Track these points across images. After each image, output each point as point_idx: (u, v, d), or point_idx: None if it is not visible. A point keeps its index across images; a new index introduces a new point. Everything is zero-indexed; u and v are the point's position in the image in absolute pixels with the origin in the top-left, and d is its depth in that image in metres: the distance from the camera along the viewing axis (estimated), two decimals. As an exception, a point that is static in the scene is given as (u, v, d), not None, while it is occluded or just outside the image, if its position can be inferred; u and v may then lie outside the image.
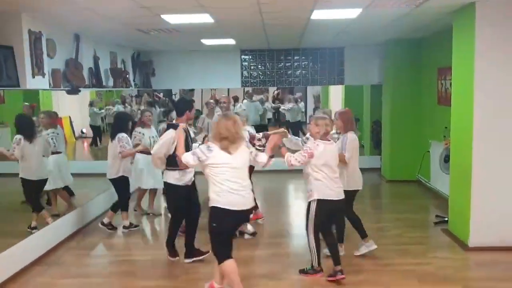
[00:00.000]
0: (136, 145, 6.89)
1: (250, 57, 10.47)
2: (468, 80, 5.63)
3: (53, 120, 7.44)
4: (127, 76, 9.36)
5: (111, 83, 8.71)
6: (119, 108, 12.04)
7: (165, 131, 5.42)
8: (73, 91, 6.78)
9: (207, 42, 8.77)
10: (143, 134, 7.24)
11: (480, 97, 5.49)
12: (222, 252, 4.23)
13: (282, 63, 10.46)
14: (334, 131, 5.82)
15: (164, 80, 10.61)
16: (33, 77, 5.84)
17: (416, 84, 9.09)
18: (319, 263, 4.92)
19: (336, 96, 15.90)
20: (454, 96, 6.11)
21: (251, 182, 4.51)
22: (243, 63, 10.48)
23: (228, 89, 16.09)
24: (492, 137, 5.52)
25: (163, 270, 5.32)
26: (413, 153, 9.14)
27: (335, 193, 4.74)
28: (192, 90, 15.10)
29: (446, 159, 6.65)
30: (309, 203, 4.79)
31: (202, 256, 5.38)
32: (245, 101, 15.07)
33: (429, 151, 8.47)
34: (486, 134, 5.52)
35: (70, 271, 5.37)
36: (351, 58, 10.23)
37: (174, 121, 5.52)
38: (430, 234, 6.39)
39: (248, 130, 6.20)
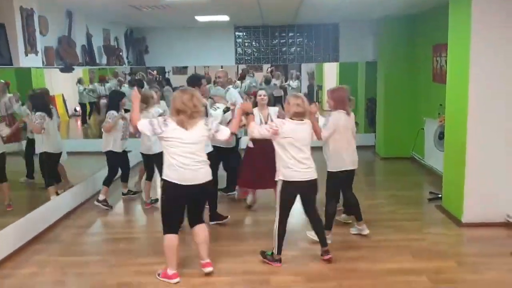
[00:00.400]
0: None
1: (244, 33, 10.38)
2: (464, 58, 5.62)
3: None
4: (120, 53, 9.28)
5: (104, 61, 8.64)
6: (109, 86, 11.80)
7: None
8: (67, 69, 6.73)
9: (201, 18, 8.69)
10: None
11: (476, 75, 5.50)
12: (168, 225, 4.41)
13: (277, 40, 10.39)
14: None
15: (158, 57, 10.53)
16: (26, 55, 5.78)
17: (411, 61, 9.07)
18: (279, 252, 4.74)
19: (330, 74, 15.88)
20: (449, 74, 6.10)
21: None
22: (237, 40, 10.41)
23: (222, 66, 15.97)
24: (487, 114, 5.55)
25: (160, 247, 5.33)
26: (408, 131, 9.18)
27: (301, 174, 4.54)
28: (186, 67, 15.00)
29: (441, 136, 6.69)
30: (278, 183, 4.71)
31: (223, 220, 5.94)
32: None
33: (423, 128, 8.51)
34: (481, 112, 5.54)
35: (68, 249, 5.40)
36: (346, 34, 10.18)
37: None
38: (424, 210, 6.47)
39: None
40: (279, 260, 4.75)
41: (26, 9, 5.77)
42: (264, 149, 5.40)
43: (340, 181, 5.22)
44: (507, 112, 5.56)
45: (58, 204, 6.36)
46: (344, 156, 5.10)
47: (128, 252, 5.26)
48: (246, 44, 10.42)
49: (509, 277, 4.42)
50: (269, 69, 19.20)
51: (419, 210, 6.46)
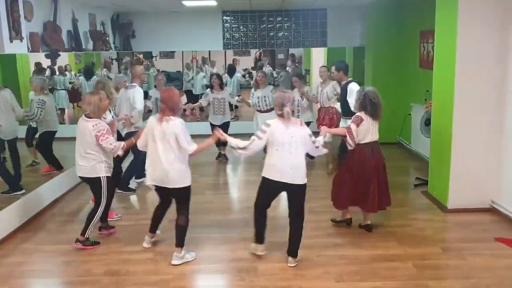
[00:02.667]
0: None
1: (232, 18, 10.32)
2: (450, 44, 5.65)
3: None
4: (107, 38, 9.19)
5: (90, 46, 8.55)
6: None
7: None
8: (53, 54, 6.66)
9: (187, 3, 8.60)
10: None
11: (462, 62, 5.53)
12: None
13: (265, 25, 10.35)
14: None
15: (145, 42, 10.44)
16: (11, 41, 5.73)
17: (398, 47, 9.09)
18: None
19: (318, 58, 15.82)
20: (436, 60, 6.13)
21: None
22: (225, 24, 10.34)
23: (209, 52, 15.86)
24: (473, 101, 5.60)
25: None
26: (395, 116, 9.19)
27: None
28: (173, 52, 14.86)
29: (427, 122, 6.74)
30: None
31: None
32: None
33: (410, 114, 8.56)
34: (467, 98, 5.59)
35: (55, 237, 5.38)
36: (334, 20, 10.18)
37: None
38: (410, 196, 6.54)
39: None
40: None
41: (10, -6, 5.69)
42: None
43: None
44: (493, 98, 5.60)
45: (45, 191, 6.33)
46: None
47: (116, 240, 5.26)
48: (234, 29, 10.36)
49: (493, 262, 4.50)
50: (257, 53, 19.06)
51: (405, 196, 6.52)
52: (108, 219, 5.50)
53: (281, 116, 4.37)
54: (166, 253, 4.85)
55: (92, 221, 5.00)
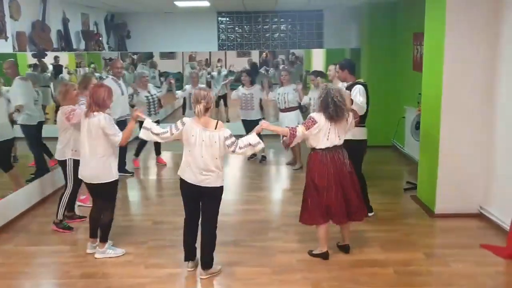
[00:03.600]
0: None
1: (227, 19, 10.27)
2: (438, 47, 5.57)
3: None
4: (100, 38, 9.15)
5: (82, 46, 8.52)
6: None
7: None
8: (39, 54, 6.61)
9: (180, 4, 8.55)
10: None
11: (449, 64, 5.45)
12: None
13: (260, 26, 10.29)
14: None
15: (140, 42, 10.40)
16: (-5, 40, 5.68)
17: (392, 49, 9.00)
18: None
19: (317, 60, 15.75)
20: (425, 63, 6.06)
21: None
22: (220, 25, 10.28)
23: (210, 53, 15.81)
24: (461, 105, 5.51)
25: (131, 237, 5.30)
26: (389, 119, 9.12)
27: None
28: (173, 53, 14.83)
29: (417, 125, 6.65)
30: None
31: None
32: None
33: (404, 117, 8.46)
34: (454, 102, 5.50)
35: (35, 239, 5.33)
36: (330, 21, 10.11)
37: None
38: (398, 200, 6.44)
39: None
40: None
41: (-5, -7, 5.66)
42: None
43: None
44: (481, 102, 5.50)
45: (28, 192, 6.28)
46: None
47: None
48: (229, 30, 10.31)
49: (475, 270, 4.40)
50: (264, 54, 18.84)
51: (394, 201, 6.42)
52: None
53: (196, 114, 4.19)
54: (146, 255, 4.81)
55: (61, 203, 5.46)
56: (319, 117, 4.43)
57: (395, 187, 6.94)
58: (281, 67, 11.55)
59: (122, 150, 7.14)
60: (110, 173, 4.70)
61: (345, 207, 4.54)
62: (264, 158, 8.58)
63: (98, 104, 4.62)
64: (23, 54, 7.27)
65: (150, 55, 15.43)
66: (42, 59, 6.82)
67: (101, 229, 4.80)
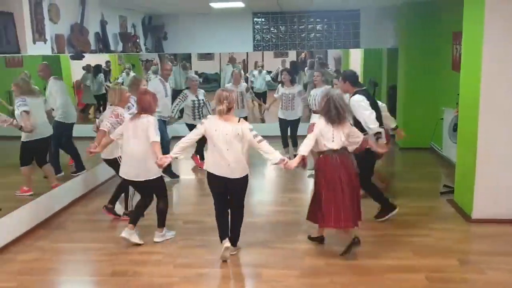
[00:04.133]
0: None
1: (262, 20, 10.25)
2: (477, 46, 5.38)
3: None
4: (137, 40, 9.30)
5: (120, 48, 8.68)
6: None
7: None
8: (77, 56, 6.77)
9: (215, 5, 8.59)
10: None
11: (488, 64, 5.24)
12: None
13: (296, 26, 10.21)
14: None
15: (176, 44, 10.50)
16: (34, 43, 5.83)
17: (431, 49, 8.75)
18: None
19: (355, 60, 15.57)
20: (463, 63, 5.86)
21: None
22: (255, 26, 10.28)
23: (247, 54, 15.85)
24: (499, 105, 5.30)
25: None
26: (427, 120, 8.89)
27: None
28: (211, 54, 15.00)
29: (455, 127, 6.45)
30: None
31: None
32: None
33: (442, 119, 8.23)
34: (493, 103, 5.29)
35: (71, 236, 5.48)
36: (367, 20, 9.92)
37: None
38: (434, 204, 6.24)
39: None
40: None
41: (35, -3, 5.83)
42: None
43: None
44: (522, 103, 5.29)
45: (66, 190, 6.46)
46: None
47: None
48: (265, 30, 10.29)
49: (510, 278, 4.23)
50: (303, 54, 18.69)
51: (429, 204, 6.22)
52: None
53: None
54: (176, 255, 4.85)
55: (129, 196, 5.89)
56: (318, 121, 4.65)
57: (431, 191, 6.73)
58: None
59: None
60: (155, 170, 4.92)
61: (351, 210, 4.58)
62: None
63: (145, 109, 4.99)
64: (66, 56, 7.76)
65: (187, 56, 15.72)
66: (80, 60, 6.98)
67: (158, 215, 5.19)
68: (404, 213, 5.79)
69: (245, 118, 8.37)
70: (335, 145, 4.56)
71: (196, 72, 17.40)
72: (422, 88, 8.93)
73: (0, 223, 5.12)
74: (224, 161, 4.44)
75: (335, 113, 4.49)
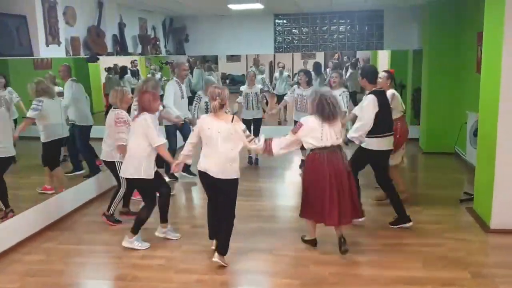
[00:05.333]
0: None
1: (284, 21, 10.13)
2: (497, 47, 5.12)
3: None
4: (157, 42, 9.32)
5: (139, 50, 8.71)
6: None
7: None
8: (92, 58, 6.80)
9: (233, 7, 8.52)
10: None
11: (508, 65, 4.99)
12: None
13: (318, 27, 10.05)
14: None
15: (198, 46, 10.49)
16: (47, 45, 5.88)
17: (455, 50, 8.44)
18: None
19: (383, 62, 15.26)
20: (483, 63, 5.60)
21: None
22: (276, 28, 10.17)
23: (274, 55, 15.74)
24: (520, 110, 5.04)
25: (167, 240, 5.31)
26: (452, 124, 8.58)
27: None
28: (237, 55, 14.97)
29: (475, 132, 6.18)
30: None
31: None
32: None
33: (466, 123, 7.92)
34: (513, 107, 5.04)
35: (79, 238, 5.48)
36: (390, 21, 9.68)
37: None
38: (452, 212, 5.95)
39: None
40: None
41: (49, 0, 5.87)
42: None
43: None
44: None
45: (78, 191, 6.51)
46: None
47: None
48: (286, 32, 10.16)
49: (526, 294, 3.99)
50: (336, 55, 18.32)
51: (447, 212, 5.95)
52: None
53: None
54: (179, 260, 4.79)
55: (115, 199, 5.75)
56: (305, 121, 4.55)
57: (451, 198, 6.43)
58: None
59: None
60: (140, 171, 4.88)
61: (338, 209, 4.48)
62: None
63: (145, 108, 4.93)
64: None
65: (215, 58, 15.75)
66: (95, 62, 7.02)
67: (135, 221, 5.06)
68: (418, 221, 5.57)
69: (260, 120, 8.39)
70: (324, 143, 4.49)
71: (223, 74, 17.51)
72: (446, 90, 8.63)
73: (10, 223, 5.19)
74: (215, 160, 4.40)
75: (329, 110, 4.44)
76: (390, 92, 5.85)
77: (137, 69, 12.53)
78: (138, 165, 4.86)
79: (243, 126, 4.47)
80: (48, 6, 5.88)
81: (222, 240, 4.54)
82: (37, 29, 5.71)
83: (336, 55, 18.27)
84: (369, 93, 5.27)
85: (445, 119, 8.69)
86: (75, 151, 7.37)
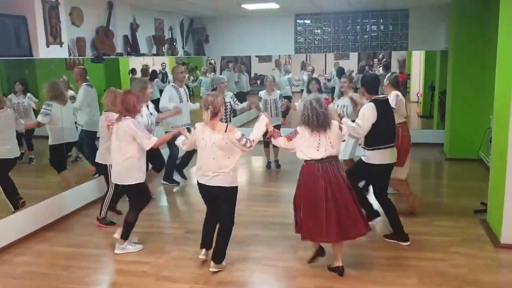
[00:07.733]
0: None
1: (305, 21, 9.87)
2: (508, 51, 4.73)
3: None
4: (174, 43, 9.25)
5: (154, 50, 8.66)
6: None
7: None
8: (97, 59, 6.76)
9: (248, 6, 8.34)
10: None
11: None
12: None
13: (340, 28, 9.72)
14: None
15: (217, 46, 10.37)
16: (47, 46, 5.86)
17: (481, 52, 7.92)
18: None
19: (417, 62, 14.77)
20: (498, 66, 5.19)
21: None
22: (297, 28, 9.91)
23: (307, 56, 15.45)
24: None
25: (158, 244, 5.18)
26: (476, 129, 8.06)
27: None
28: (269, 56, 14.82)
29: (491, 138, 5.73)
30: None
31: None
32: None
33: (490, 128, 7.41)
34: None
35: (72, 240, 5.43)
36: (416, 21, 9.26)
37: None
38: (464, 224, 5.51)
39: None
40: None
41: (50, 1, 5.85)
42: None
43: None
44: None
45: (81, 192, 6.48)
46: None
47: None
48: (307, 32, 9.89)
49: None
50: (381, 56, 17.55)
51: (458, 224, 5.53)
52: None
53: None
54: (163, 267, 4.64)
55: (104, 203, 5.72)
56: (302, 130, 4.21)
57: (466, 208, 5.98)
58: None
59: (171, 161, 7.38)
60: (132, 176, 4.80)
61: (336, 223, 4.11)
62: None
63: (128, 109, 4.78)
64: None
65: (248, 59, 15.69)
66: (101, 63, 6.95)
67: (124, 226, 4.95)
68: (424, 232, 5.22)
69: (279, 127, 8.05)
70: (320, 155, 4.16)
71: (255, 74, 17.40)
72: (471, 94, 8.14)
73: (4, 222, 5.20)
74: (210, 170, 4.29)
75: (313, 118, 4.10)
76: (394, 93, 5.51)
77: (165, 72, 12.56)
78: (129, 170, 4.78)
79: (238, 135, 4.23)
80: (49, 6, 5.86)
81: (218, 248, 4.44)
82: (36, 29, 5.71)
83: (381, 55, 17.66)
84: (369, 101, 4.89)
85: (470, 123, 8.19)
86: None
